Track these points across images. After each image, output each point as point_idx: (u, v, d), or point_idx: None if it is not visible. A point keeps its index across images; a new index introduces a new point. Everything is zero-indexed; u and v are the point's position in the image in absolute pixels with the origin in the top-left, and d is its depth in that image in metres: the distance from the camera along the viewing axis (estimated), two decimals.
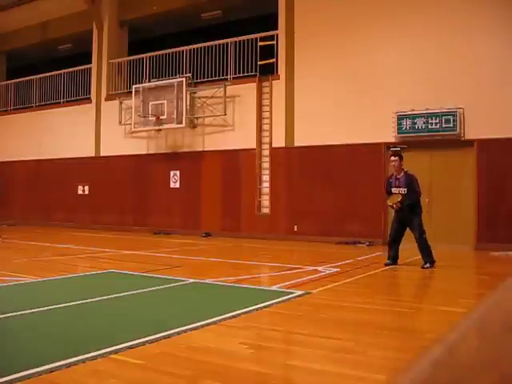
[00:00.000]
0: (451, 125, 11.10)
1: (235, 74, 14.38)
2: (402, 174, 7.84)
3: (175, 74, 15.18)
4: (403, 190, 7.66)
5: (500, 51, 10.81)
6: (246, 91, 14.00)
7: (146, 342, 3.51)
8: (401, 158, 7.94)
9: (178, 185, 15.22)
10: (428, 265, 7.63)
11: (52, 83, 18.54)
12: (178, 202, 15.12)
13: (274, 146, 13.60)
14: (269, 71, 13.81)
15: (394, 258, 8.03)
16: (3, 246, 10.77)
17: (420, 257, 9.50)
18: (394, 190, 7.83)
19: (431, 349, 0.38)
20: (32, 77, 19.08)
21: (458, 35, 11.23)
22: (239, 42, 14.39)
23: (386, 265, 7.88)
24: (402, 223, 7.84)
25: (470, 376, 0.34)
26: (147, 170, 15.76)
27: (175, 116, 14.51)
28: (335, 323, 4.29)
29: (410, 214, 7.70)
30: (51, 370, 2.89)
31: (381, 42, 12.18)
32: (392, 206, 7.83)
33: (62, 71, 18.22)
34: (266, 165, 13.74)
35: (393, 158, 8.00)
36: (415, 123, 11.51)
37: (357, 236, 12.08)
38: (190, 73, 14.99)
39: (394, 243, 8.01)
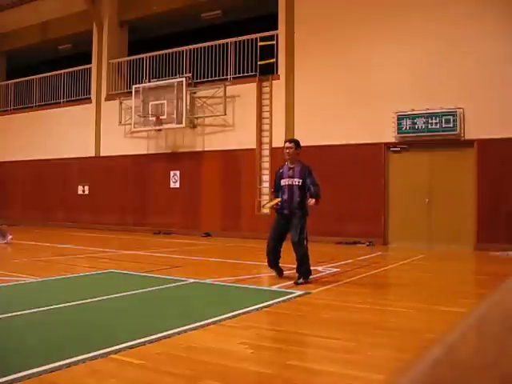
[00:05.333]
0: (451, 125, 11.10)
1: (235, 74, 14.38)
2: (297, 163, 6.52)
3: (175, 74, 15.18)
4: (297, 181, 6.37)
5: (500, 51, 10.80)
6: (246, 91, 14.00)
7: (146, 342, 3.51)
8: (297, 145, 6.56)
9: (178, 185, 15.22)
10: (302, 280, 6.22)
11: (52, 83, 18.53)
12: (178, 202, 15.12)
13: (273, 146, 13.59)
14: (269, 71, 13.80)
15: (277, 271, 6.67)
16: (4, 245, 10.76)
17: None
18: (284, 181, 6.47)
19: (431, 349, 0.38)
20: (32, 77, 19.08)
21: (458, 35, 11.23)
22: (239, 41, 14.38)
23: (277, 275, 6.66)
24: (284, 228, 6.56)
25: (469, 376, 0.34)
26: (147, 170, 15.76)
27: (175, 116, 14.51)
28: (335, 323, 4.29)
29: (295, 217, 6.39)
30: (51, 370, 2.89)
31: (381, 42, 12.17)
32: (273, 207, 6.61)
33: (62, 71, 18.22)
34: (266, 165, 13.74)
35: (288, 143, 6.58)
36: (415, 123, 11.52)
37: (357, 236, 12.08)
38: (190, 73, 15.00)
39: (272, 254, 6.59)
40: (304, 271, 6.32)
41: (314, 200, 6.22)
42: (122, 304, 5.09)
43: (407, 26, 11.90)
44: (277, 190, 6.64)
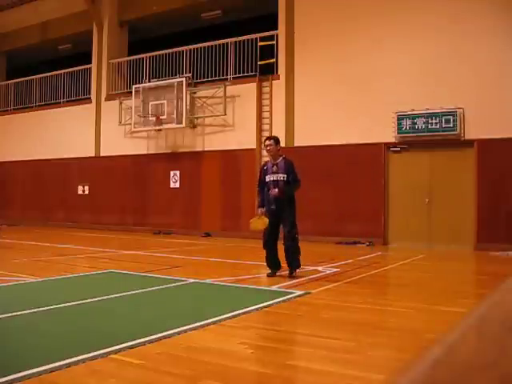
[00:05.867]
0: (451, 125, 11.11)
1: (235, 74, 14.38)
2: (280, 159, 6.71)
3: (175, 74, 15.18)
4: (282, 177, 6.56)
5: (500, 51, 10.80)
6: (246, 91, 14.00)
7: (146, 342, 3.51)
8: (277, 141, 6.78)
9: (178, 185, 15.22)
10: (294, 272, 6.61)
11: (52, 83, 18.54)
12: (178, 202, 15.12)
13: None
14: (269, 71, 13.81)
15: (275, 267, 6.76)
16: (3, 245, 10.77)
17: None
18: (269, 177, 6.64)
19: (431, 349, 0.38)
20: (32, 77, 19.08)
21: (458, 35, 11.23)
22: (239, 41, 14.39)
23: (269, 276, 6.67)
24: (276, 222, 6.68)
25: (469, 376, 0.34)
26: (147, 170, 15.76)
27: (175, 116, 14.51)
28: (335, 323, 4.29)
29: (285, 212, 6.56)
30: (51, 370, 2.89)
31: (381, 42, 12.17)
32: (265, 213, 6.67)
33: (62, 71, 18.22)
34: None
35: (267, 141, 6.77)
36: (415, 123, 11.52)
37: (357, 236, 12.08)
38: (190, 73, 15.00)
39: (269, 248, 6.70)
40: (295, 260, 6.55)
41: (276, 190, 6.52)
42: (121, 304, 5.09)
43: (408, 28, 11.90)
44: (262, 187, 6.80)
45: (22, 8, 19.48)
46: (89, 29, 17.41)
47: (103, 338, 3.67)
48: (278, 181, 6.59)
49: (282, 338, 3.89)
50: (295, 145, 13.21)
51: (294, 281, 6.37)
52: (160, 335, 3.67)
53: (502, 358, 0.34)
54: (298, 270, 6.68)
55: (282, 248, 6.67)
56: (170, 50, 15.63)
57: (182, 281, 6.34)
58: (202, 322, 4.09)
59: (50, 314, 4.48)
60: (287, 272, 6.75)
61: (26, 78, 19.31)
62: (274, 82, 13.66)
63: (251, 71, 14.02)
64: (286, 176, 6.59)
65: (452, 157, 11.43)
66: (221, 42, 14.69)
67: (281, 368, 3.13)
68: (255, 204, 13.81)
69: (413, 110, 11.54)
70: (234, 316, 4.37)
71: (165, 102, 14.76)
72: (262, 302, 4.96)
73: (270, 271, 6.78)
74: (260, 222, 6.65)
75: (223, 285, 6.14)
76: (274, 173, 6.63)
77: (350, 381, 2.88)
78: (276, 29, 13.74)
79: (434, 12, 11.54)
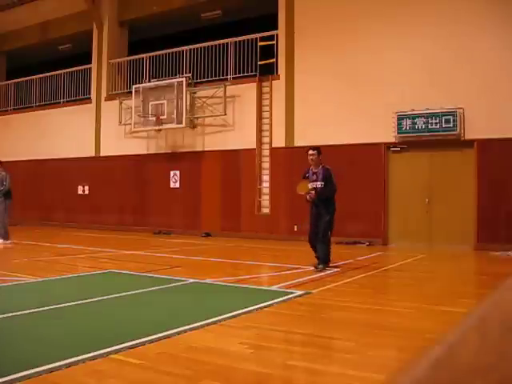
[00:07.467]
0: (451, 125, 11.10)
1: (235, 74, 14.38)
2: (320, 167, 7.46)
3: (175, 74, 15.18)
4: (320, 184, 7.33)
5: (500, 51, 10.80)
6: (246, 91, 14.00)
7: (146, 341, 3.51)
8: (319, 152, 7.52)
9: (177, 185, 15.22)
10: (321, 266, 7.25)
11: (52, 83, 18.53)
12: (178, 202, 15.11)
13: (273, 146, 13.59)
14: (269, 71, 13.80)
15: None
16: (6, 246, 10.78)
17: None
18: (309, 184, 7.41)
19: (431, 349, 0.38)
20: (32, 77, 19.08)
21: (458, 35, 11.23)
22: (239, 41, 14.38)
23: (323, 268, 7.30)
24: (314, 221, 7.46)
25: (469, 376, 0.34)
26: (147, 169, 15.76)
27: (175, 116, 14.50)
28: (335, 323, 4.29)
29: (322, 211, 7.33)
30: (51, 370, 2.89)
31: (381, 42, 12.17)
32: (306, 198, 7.40)
33: (62, 71, 18.22)
34: (266, 165, 13.74)
35: (311, 151, 7.50)
36: (415, 123, 11.51)
37: (357, 236, 12.08)
38: (190, 73, 15.00)
39: (314, 243, 7.46)
40: (322, 257, 7.25)
41: (313, 193, 7.32)
42: (122, 304, 5.09)
43: (408, 28, 11.89)
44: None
45: (21, 8, 19.47)
46: (89, 29, 17.41)
47: (103, 338, 3.67)
48: (316, 188, 7.35)
49: (282, 337, 3.89)
50: (295, 145, 13.21)
51: (294, 281, 6.38)
52: (160, 335, 3.67)
53: (502, 360, 0.34)
54: (322, 266, 7.22)
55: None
56: (169, 50, 15.63)
57: (182, 281, 6.34)
58: (202, 322, 4.09)
59: (49, 313, 4.48)
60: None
61: (25, 78, 19.30)
62: (273, 81, 13.66)
63: (251, 71, 14.01)
64: (323, 183, 7.35)
65: (452, 157, 11.43)
66: (221, 42, 14.69)
67: (281, 368, 3.14)
68: (255, 204, 13.89)
69: (413, 110, 11.54)
70: (234, 316, 4.37)
71: (165, 102, 14.76)
72: (262, 302, 4.96)
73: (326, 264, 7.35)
74: (303, 186, 7.41)
75: (223, 285, 6.14)
76: (313, 181, 7.40)
77: (349, 381, 2.88)
78: (276, 29, 13.73)
79: (435, 12, 11.53)
